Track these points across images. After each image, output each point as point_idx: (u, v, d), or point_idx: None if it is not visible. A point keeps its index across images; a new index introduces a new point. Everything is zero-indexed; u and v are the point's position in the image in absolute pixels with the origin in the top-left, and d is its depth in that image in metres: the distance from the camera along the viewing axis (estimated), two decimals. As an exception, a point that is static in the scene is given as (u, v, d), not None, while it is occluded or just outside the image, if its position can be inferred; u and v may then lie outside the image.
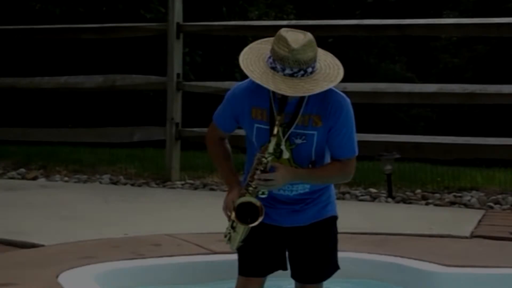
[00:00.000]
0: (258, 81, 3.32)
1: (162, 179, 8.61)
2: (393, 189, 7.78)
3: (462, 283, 4.68)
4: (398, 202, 7.61)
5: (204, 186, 8.38)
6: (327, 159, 3.56)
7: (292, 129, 3.43)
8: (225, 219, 3.52)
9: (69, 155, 9.86)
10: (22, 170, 9.17)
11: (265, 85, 3.31)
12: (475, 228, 6.20)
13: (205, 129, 3.83)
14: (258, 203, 3.40)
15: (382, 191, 7.87)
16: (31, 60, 12.25)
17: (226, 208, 3.52)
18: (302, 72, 3.32)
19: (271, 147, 3.40)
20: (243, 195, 3.43)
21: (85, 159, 9.63)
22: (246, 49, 3.44)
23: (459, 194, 7.73)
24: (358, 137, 3.54)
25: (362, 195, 7.80)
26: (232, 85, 3.71)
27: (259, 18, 13.92)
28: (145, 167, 9.17)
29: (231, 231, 3.50)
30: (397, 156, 7.73)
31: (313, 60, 3.34)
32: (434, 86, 8.53)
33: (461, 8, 19.07)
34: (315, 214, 3.59)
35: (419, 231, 6.04)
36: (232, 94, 3.57)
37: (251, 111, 3.49)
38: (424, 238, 5.78)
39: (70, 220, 6.38)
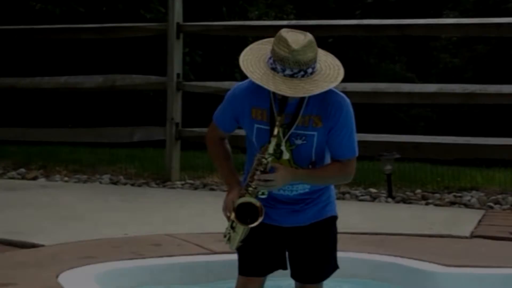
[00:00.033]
0: (258, 82, 3.32)
1: (162, 179, 8.61)
2: (393, 189, 7.79)
3: (462, 283, 4.68)
4: (398, 202, 7.61)
5: (204, 186, 8.38)
6: (327, 159, 3.56)
7: (292, 130, 3.43)
8: (225, 219, 3.52)
9: (69, 155, 9.86)
10: (22, 170, 9.17)
11: (265, 86, 3.31)
12: (475, 228, 6.21)
13: (205, 129, 3.83)
14: (258, 203, 3.40)
15: (382, 191, 7.87)
16: (31, 60, 12.26)
17: (225, 209, 3.52)
18: (302, 73, 3.32)
19: (271, 148, 3.40)
20: (243, 195, 3.43)
21: (85, 159, 9.63)
22: (246, 50, 3.44)
23: (459, 194, 7.73)
24: (358, 137, 3.54)
25: (362, 195, 7.80)
26: (232, 85, 3.71)
27: (259, 18, 13.92)
28: (145, 167, 9.17)
29: (231, 231, 3.50)
30: (397, 156, 7.73)
31: (313, 61, 3.34)
32: (434, 86, 8.54)
33: (461, 8, 19.08)
34: (315, 214, 3.59)
35: (419, 231, 6.04)
36: (232, 94, 3.57)
37: (251, 111, 3.49)
38: (424, 238, 5.78)
39: (70, 220, 6.39)
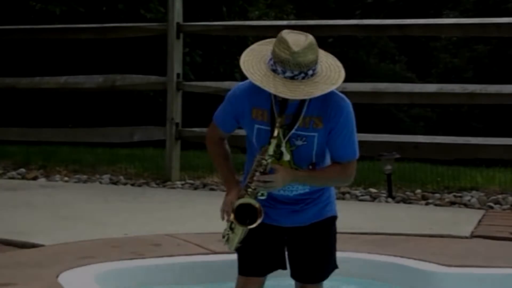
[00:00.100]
0: (258, 84, 3.31)
1: (162, 179, 8.61)
2: (393, 189, 7.79)
3: (462, 283, 4.68)
4: (398, 202, 7.61)
5: (204, 186, 8.38)
6: (328, 161, 3.55)
7: (293, 131, 3.43)
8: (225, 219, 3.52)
9: (69, 155, 9.86)
10: (22, 170, 9.17)
11: (266, 88, 3.30)
12: (475, 228, 6.20)
13: (205, 129, 3.83)
14: (257, 204, 3.39)
15: (382, 191, 7.87)
16: (31, 60, 12.26)
17: (223, 209, 3.51)
18: (302, 74, 3.31)
19: (271, 149, 3.39)
20: (242, 196, 3.42)
21: (85, 159, 9.63)
22: (247, 50, 3.43)
23: (459, 194, 7.73)
24: (358, 137, 3.52)
25: (362, 195, 7.80)
26: (232, 85, 3.70)
27: (259, 18, 13.93)
28: (145, 167, 9.17)
29: (230, 232, 3.50)
30: (397, 156, 7.73)
31: (314, 62, 3.33)
32: (434, 86, 8.54)
33: (461, 8, 19.09)
34: (315, 214, 3.58)
35: (419, 231, 6.04)
36: (232, 94, 3.56)
37: (251, 112, 3.48)
38: (424, 238, 5.78)
39: (70, 220, 6.39)
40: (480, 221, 6.52)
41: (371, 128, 8.28)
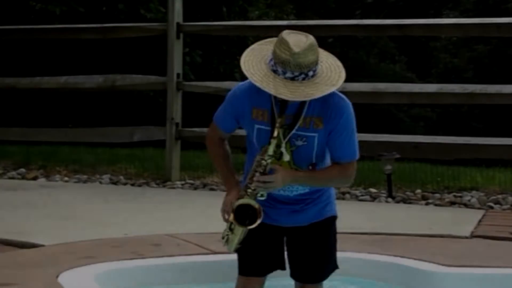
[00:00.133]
0: (258, 84, 3.31)
1: (162, 179, 8.61)
2: (393, 189, 7.78)
3: (462, 283, 4.68)
4: (398, 202, 7.61)
5: (204, 186, 8.38)
6: (328, 161, 3.55)
7: (293, 131, 3.43)
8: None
9: (69, 155, 9.86)
10: (22, 170, 9.17)
11: (266, 89, 3.30)
12: (475, 228, 6.20)
13: (205, 129, 3.83)
14: (256, 205, 3.39)
15: (382, 191, 7.87)
16: (31, 60, 12.26)
17: (224, 210, 3.51)
18: (303, 75, 3.31)
19: (271, 150, 3.39)
20: (242, 196, 3.42)
21: (85, 159, 9.63)
22: (248, 50, 3.43)
23: (459, 194, 7.73)
24: (358, 137, 3.52)
25: (362, 195, 7.80)
26: (232, 85, 3.70)
27: (259, 18, 13.93)
28: (145, 167, 9.17)
29: (229, 232, 3.49)
30: (397, 156, 7.73)
31: (315, 63, 3.33)
32: (434, 86, 8.54)
33: (461, 8, 19.10)
34: (315, 214, 3.58)
35: (419, 231, 6.04)
36: (233, 94, 3.56)
37: (251, 112, 3.48)
38: (424, 238, 5.78)
39: (70, 220, 6.38)
40: (480, 221, 6.51)
41: (371, 128, 8.28)
